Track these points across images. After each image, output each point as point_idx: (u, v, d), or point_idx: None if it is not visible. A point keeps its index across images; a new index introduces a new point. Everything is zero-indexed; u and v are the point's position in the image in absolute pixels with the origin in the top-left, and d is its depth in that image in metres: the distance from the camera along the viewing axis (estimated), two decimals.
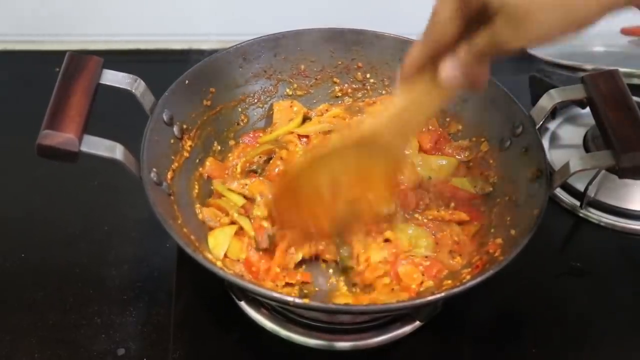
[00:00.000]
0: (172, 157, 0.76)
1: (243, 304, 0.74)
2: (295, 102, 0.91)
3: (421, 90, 0.61)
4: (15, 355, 0.73)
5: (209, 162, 0.83)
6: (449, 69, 0.56)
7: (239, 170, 0.84)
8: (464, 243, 0.76)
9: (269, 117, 0.91)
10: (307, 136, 0.87)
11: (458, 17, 0.54)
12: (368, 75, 0.91)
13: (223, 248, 0.74)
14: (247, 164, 0.85)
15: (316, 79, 0.91)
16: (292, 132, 0.87)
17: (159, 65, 1.10)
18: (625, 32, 1.06)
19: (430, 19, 0.56)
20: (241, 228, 0.77)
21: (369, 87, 0.92)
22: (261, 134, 0.89)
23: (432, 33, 0.56)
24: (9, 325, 0.76)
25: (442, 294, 0.62)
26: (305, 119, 0.90)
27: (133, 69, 0.74)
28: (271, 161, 0.84)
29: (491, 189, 0.81)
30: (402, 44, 0.87)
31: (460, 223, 0.79)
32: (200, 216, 0.77)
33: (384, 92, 0.92)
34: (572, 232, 0.90)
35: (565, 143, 0.97)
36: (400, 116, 0.63)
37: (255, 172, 0.84)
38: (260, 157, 0.85)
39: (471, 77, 0.57)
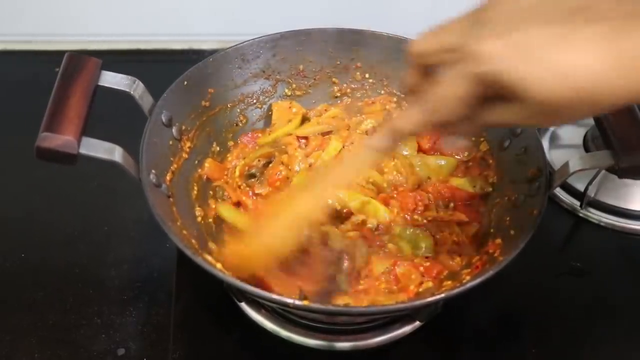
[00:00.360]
0: (171, 159, 0.76)
1: (243, 305, 0.75)
2: (294, 103, 0.91)
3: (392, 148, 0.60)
4: (15, 355, 0.73)
5: (208, 164, 0.83)
6: (454, 143, 0.54)
7: (237, 173, 0.84)
8: (463, 243, 0.76)
9: (267, 118, 0.91)
10: (306, 137, 0.87)
11: (471, 99, 0.48)
12: (367, 75, 0.91)
13: None
14: (246, 168, 0.84)
15: (315, 79, 0.91)
16: (290, 134, 0.87)
17: (159, 66, 1.10)
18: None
19: (438, 95, 0.49)
20: None
21: (367, 87, 0.92)
22: (260, 135, 0.89)
23: (438, 112, 0.50)
24: (9, 325, 0.76)
25: (442, 295, 0.62)
26: (304, 119, 0.90)
27: (132, 69, 0.74)
28: (271, 165, 0.84)
29: (490, 188, 0.81)
30: (400, 44, 0.87)
31: (459, 224, 0.79)
32: (199, 219, 0.77)
33: (382, 91, 0.92)
34: (572, 232, 0.90)
35: (565, 143, 0.97)
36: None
37: (254, 176, 0.84)
38: (259, 160, 0.85)
39: None
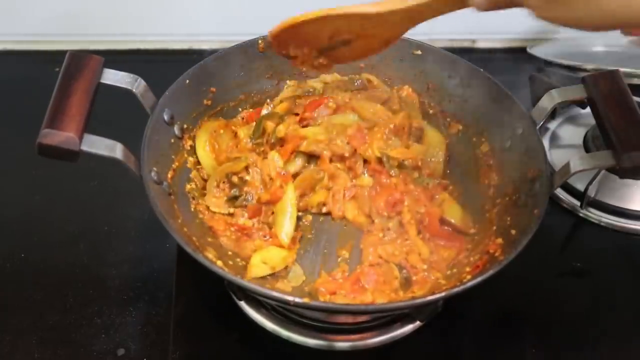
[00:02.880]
0: (173, 157, 0.76)
1: (243, 304, 0.75)
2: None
3: None
4: (15, 355, 0.73)
5: None
6: None
7: (212, 203, 0.78)
8: (437, 263, 0.75)
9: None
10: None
11: None
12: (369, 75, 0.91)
13: None
14: (227, 180, 0.80)
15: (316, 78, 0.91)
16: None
17: (160, 65, 1.10)
18: (626, 32, 1.06)
19: None
20: None
21: (370, 87, 0.92)
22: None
23: None
24: (9, 325, 0.76)
25: (443, 294, 0.62)
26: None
27: (133, 69, 0.74)
28: (249, 177, 0.80)
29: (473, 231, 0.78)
30: (401, 44, 0.87)
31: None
32: (201, 215, 0.77)
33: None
34: (572, 232, 0.90)
35: (566, 143, 0.97)
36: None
37: (235, 198, 0.79)
38: (239, 176, 0.80)
39: None
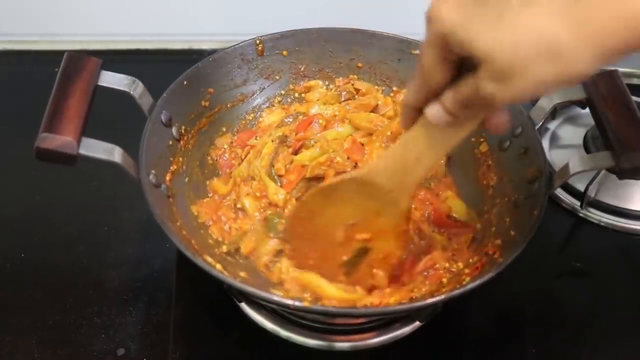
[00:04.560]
0: (171, 159, 0.76)
1: (243, 305, 0.75)
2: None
3: (420, 134, 0.60)
4: (15, 355, 0.73)
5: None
6: (434, 112, 0.55)
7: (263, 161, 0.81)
8: (460, 251, 0.75)
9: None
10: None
11: (443, 64, 0.51)
12: (367, 76, 0.91)
13: None
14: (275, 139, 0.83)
15: (315, 79, 0.91)
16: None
17: (159, 65, 1.10)
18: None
19: (418, 63, 0.53)
20: None
21: (359, 95, 0.92)
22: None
23: (421, 78, 0.54)
24: (9, 325, 0.76)
25: (442, 297, 0.62)
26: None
27: (132, 69, 0.74)
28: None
29: (479, 225, 0.78)
30: (401, 44, 0.87)
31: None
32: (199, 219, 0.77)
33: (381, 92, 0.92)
34: (572, 232, 0.90)
35: (566, 143, 0.97)
36: (399, 162, 0.63)
37: (284, 140, 0.84)
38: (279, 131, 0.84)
39: (467, 119, 0.56)
